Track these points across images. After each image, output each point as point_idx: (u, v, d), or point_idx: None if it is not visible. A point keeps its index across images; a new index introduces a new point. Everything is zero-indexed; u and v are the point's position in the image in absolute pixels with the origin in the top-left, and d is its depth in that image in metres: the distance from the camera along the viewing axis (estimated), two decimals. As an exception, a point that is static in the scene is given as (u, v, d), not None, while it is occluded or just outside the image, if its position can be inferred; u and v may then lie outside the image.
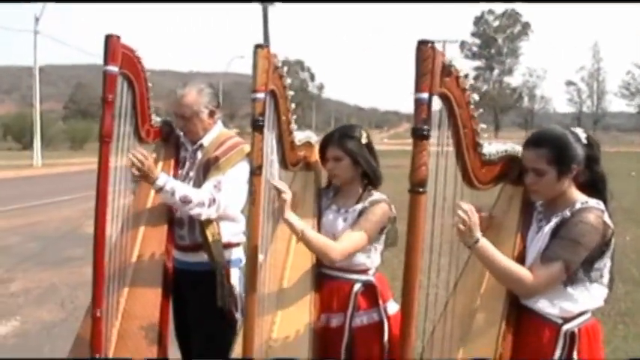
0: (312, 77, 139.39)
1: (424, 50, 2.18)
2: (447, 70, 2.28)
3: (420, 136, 2.14)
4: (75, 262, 9.66)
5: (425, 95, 2.16)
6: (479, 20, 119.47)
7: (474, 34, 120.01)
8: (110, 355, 3.25)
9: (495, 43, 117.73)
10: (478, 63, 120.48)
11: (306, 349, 2.97)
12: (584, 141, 2.58)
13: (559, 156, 2.51)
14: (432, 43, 2.20)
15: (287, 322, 3.03)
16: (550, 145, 2.54)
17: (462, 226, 2.49)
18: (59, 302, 7.40)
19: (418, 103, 2.16)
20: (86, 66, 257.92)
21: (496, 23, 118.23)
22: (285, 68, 2.84)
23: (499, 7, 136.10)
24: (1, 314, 6.91)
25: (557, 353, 2.47)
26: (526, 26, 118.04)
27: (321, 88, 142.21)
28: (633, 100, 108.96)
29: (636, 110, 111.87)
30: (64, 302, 7.40)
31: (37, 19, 37.74)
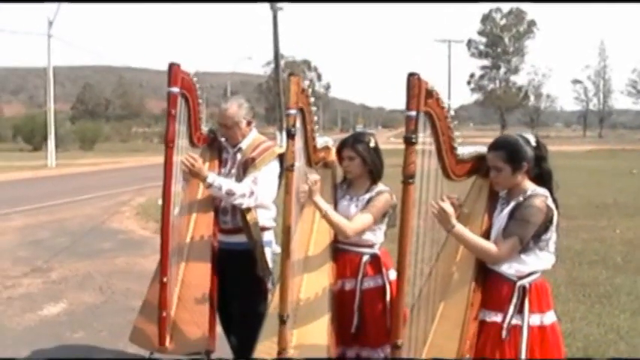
0: (319, 77, 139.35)
1: (412, 80, 3.05)
2: (430, 93, 3.14)
3: (409, 142, 3.01)
4: (105, 253, 10.49)
5: (413, 113, 3.03)
6: (486, 19, 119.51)
7: (480, 33, 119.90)
8: (172, 314, 4.14)
9: (502, 41, 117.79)
10: (485, 62, 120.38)
11: (326, 306, 3.88)
12: (534, 144, 3.46)
13: (512, 156, 3.40)
14: (418, 75, 3.06)
15: (311, 284, 3.95)
16: (505, 148, 3.43)
17: (440, 218, 3.36)
18: (97, 288, 8.19)
19: (408, 118, 3.03)
20: (93, 67, 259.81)
21: (503, 22, 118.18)
22: (309, 88, 3.73)
23: (506, 6, 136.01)
24: (49, 297, 7.70)
25: (514, 301, 3.34)
26: (532, 24, 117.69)
27: (327, 87, 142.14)
28: (639, 98, 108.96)
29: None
30: (102, 288, 8.20)
31: (50, 23, 38.34)
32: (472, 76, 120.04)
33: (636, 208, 15.22)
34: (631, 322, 6.34)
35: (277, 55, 27.66)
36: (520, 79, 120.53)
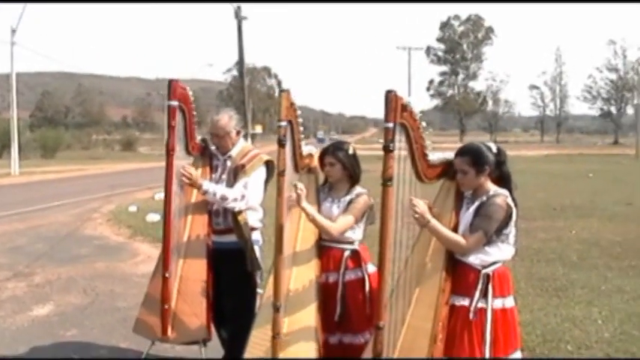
0: (280, 84, 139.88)
1: (390, 96, 3.53)
2: (405, 107, 3.62)
3: (387, 150, 3.49)
4: (84, 259, 10.78)
5: (391, 124, 3.51)
6: (444, 26, 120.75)
7: (439, 40, 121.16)
8: (172, 305, 4.58)
9: (460, 48, 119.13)
10: (444, 68, 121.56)
11: (313, 296, 4.37)
12: (495, 150, 3.98)
13: (476, 161, 3.91)
14: (395, 91, 3.55)
15: (299, 277, 4.43)
16: (470, 153, 3.94)
17: (416, 215, 3.85)
18: (82, 290, 8.52)
19: (386, 129, 3.51)
20: (51, 73, 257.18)
21: (461, 29, 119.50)
22: (296, 102, 4.20)
23: (464, 13, 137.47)
24: (36, 300, 8.03)
25: (479, 287, 3.84)
26: (489, 31, 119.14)
27: (279, 87, 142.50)
28: (595, 103, 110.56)
29: (598, 113, 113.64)
30: (86, 290, 8.53)
31: (13, 31, 38.32)
32: (431, 82, 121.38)
33: (591, 210, 15.91)
34: (585, 312, 6.88)
35: (242, 64, 27.96)
36: (478, 85, 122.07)
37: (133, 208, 16.91)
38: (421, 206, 3.87)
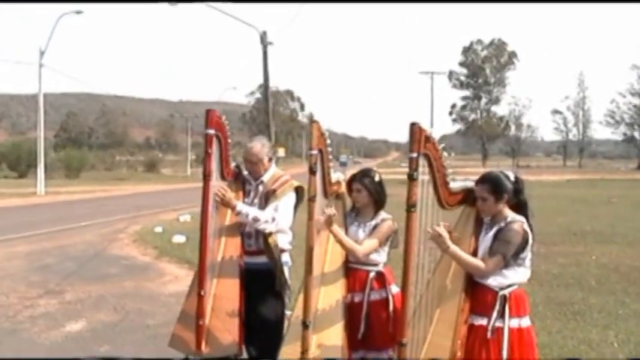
0: (302, 107, 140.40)
1: (414, 128, 3.83)
2: (428, 139, 3.89)
3: (411, 178, 3.76)
4: (112, 278, 11.15)
5: (415, 154, 3.79)
6: (467, 50, 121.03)
7: (462, 64, 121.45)
8: (206, 321, 4.85)
9: (483, 72, 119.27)
10: (466, 92, 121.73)
11: (340, 315, 4.63)
12: (512, 179, 4.23)
13: (495, 189, 4.17)
14: (419, 124, 3.83)
15: (327, 296, 4.70)
16: (490, 182, 4.20)
17: (436, 241, 4.10)
18: (112, 308, 8.84)
19: (411, 159, 3.79)
20: (76, 94, 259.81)
21: (484, 53, 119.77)
22: (327, 133, 4.48)
23: (487, 38, 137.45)
24: (68, 317, 8.35)
25: (497, 308, 4.09)
26: (512, 56, 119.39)
27: (311, 117, 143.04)
28: (618, 128, 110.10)
29: (621, 138, 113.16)
30: (116, 308, 8.85)
31: (42, 53, 39.07)
32: (454, 106, 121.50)
33: (612, 235, 16.01)
34: (602, 335, 7.06)
35: (267, 89, 28.27)
36: (501, 110, 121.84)
37: (158, 229, 17.26)
38: (443, 232, 4.12)
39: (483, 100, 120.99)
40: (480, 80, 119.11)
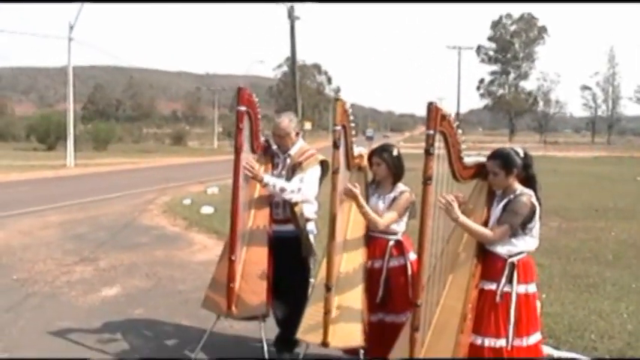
0: (329, 80, 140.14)
1: (431, 107, 4.14)
2: (444, 117, 4.21)
3: (428, 153, 4.08)
4: (144, 247, 11.56)
5: (431, 131, 4.11)
6: (496, 25, 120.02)
7: (490, 39, 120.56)
8: (236, 285, 5.23)
9: (512, 47, 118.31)
10: (494, 67, 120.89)
11: (360, 279, 4.99)
12: (522, 155, 4.53)
13: (505, 164, 4.48)
14: (435, 103, 4.14)
15: (349, 262, 5.07)
16: (500, 157, 4.51)
17: (446, 209, 4.42)
18: (144, 275, 9.25)
19: (427, 135, 4.11)
20: (102, 67, 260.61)
21: (513, 27, 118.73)
22: (350, 108, 4.80)
23: (516, 12, 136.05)
24: (103, 282, 8.78)
25: (505, 274, 4.42)
26: (542, 30, 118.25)
27: (337, 91, 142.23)
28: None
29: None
30: (148, 275, 9.27)
31: (71, 27, 39.39)
32: (482, 81, 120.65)
33: (634, 212, 16.21)
34: (613, 306, 7.33)
35: (294, 63, 28.56)
36: (529, 85, 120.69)
37: (187, 201, 17.67)
38: (451, 202, 4.42)
39: (512, 75, 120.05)
40: (509, 55, 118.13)
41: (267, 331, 5.67)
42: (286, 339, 5.59)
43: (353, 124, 4.95)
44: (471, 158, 4.65)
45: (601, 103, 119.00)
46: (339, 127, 4.68)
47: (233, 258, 5.20)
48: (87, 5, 38.67)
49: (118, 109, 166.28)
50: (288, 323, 5.41)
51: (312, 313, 4.92)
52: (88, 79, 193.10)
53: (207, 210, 15.55)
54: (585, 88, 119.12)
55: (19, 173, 30.68)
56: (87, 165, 38.90)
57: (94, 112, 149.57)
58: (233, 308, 5.27)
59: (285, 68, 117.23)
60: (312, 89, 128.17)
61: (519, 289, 4.44)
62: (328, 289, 4.73)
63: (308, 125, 51.82)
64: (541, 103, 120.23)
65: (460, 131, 4.42)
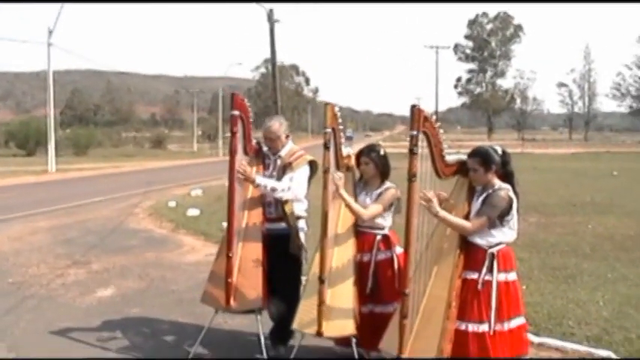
0: (307, 81, 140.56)
1: (414, 110, 4.46)
2: (426, 118, 4.53)
3: (412, 152, 4.39)
4: (134, 249, 11.77)
5: (415, 132, 4.43)
6: (473, 23, 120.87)
7: (467, 37, 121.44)
8: (234, 279, 5.52)
9: (488, 45, 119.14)
10: (472, 65, 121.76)
11: (351, 272, 5.31)
12: (500, 152, 4.87)
13: (484, 161, 4.81)
14: (418, 105, 4.46)
15: (339, 256, 5.38)
16: (480, 155, 4.85)
17: (426, 206, 4.73)
18: (137, 276, 9.48)
19: (411, 136, 4.42)
20: (80, 71, 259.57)
21: (489, 26, 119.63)
22: (339, 113, 5.11)
23: (492, 10, 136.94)
24: (98, 284, 9.02)
25: (486, 264, 4.76)
26: (518, 29, 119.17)
27: (316, 91, 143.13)
28: (624, 101, 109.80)
29: (627, 111, 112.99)
30: (140, 276, 9.50)
31: (50, 32, 39.37)
32: (459, 79, 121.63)
33: (610, 207, 16.68)
34: (590, 295, 7.69)
35: (274, 67, 28.75)
36: (506, 83, 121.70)
37: (172, 204, 17.93)
38: (430, 197, 4.72)
39: (489, 74, 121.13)
40: (486, 53, 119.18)
41: (263, 325, 5.92)
42: (281, 332, 5.93)
43: (341, 127, 5.27)
44: (452, 156, 4.98)
45: (577, 100, 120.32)
46: (329, 130, 5.03)
47: (230, 254, 5.50)
48: (65, 9, 38.58)
49: (97, 114, 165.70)
50: (282, 317, 5.72)
51: (306, 305, 5.23)
52: (66, 84, 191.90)
53: (193, 212, 15.82)
54: (562, 85, 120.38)
55: (0, 179, 30.72)
56: (68, 170, 38.98)
57: (72, 117, 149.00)
58: (232, 302, 5.56)
59: (263, 70, 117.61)
60: (291, 90, 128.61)
61: (499, 277, 4.77)
62: (322, 281, 5.05)
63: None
64: (518, 101, 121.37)
65: (442, 131, 4.75)
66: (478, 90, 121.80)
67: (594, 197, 18.79)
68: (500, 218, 4.78)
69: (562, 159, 47.74)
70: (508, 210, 4.79)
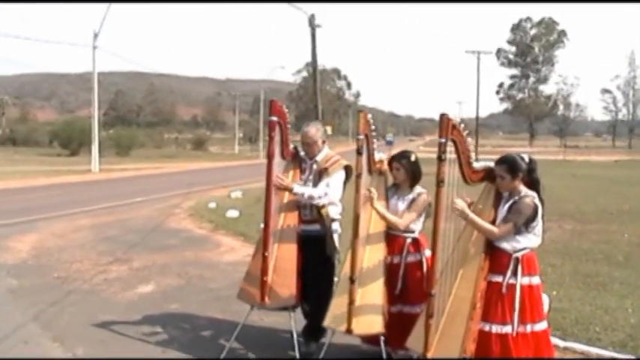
0: (349, 85, 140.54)
1: (443, 118, 4.68)
2: (454, 126, 4.73)
3: (440, 159, 4.60)
4: (173, 248, 12.13)
5: (443, 139, 4.63)
6: (516, 28, 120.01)
7: (510, 42, 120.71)
8: (269, 278, 5.76)
9: (532, 51, 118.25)
10: (514, 71, 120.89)
11: (381, 273, 5.52)
12: (527, 160, 5.04)
13: (511, 168, 4.99)
14: (447, 114, 4.66)
15: (370, 257, 5.59)
16: (507, 162, 5.03)
17: (457, 212, 4.94)
18: (176, 274, 9.79)
19: (440, 143, 4.63)
20: (123, 73, 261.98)
21: (533, 31, 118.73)
22: (373, 118, 5.33)
23: (536, 16, 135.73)
24: (138, 280, 9.35)
25: (511, 267, 4.94)
26: (562, 34, 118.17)
27: (357, 95, 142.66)
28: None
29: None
30: (179, 274, 9.81)
31: (95, 35, 40.13)
32: (501, 85, 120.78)
33: (648, 215, 16.49)
34: (619, 303, 7.77)
35: (315, 71, 28.95)
36: (549, 89, 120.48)
37: (212, 205, 18.27)
38: (460, 204, 4.97)
39: (531, 79, 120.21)
40: (529, 59, 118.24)
41: (295, 322, 6.14)
42: (313, 329, 6.18)
43: (374, 133, 5.50)
44: (479, 163, 5.17)
45: (622, 107, 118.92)
46: (361, 137, 5.26)
47: (266, 254, 5.74)
48: (109, 11, 39.18)
49: (139, 115, 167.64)
50: (315, 315, 5.96)
51: (337, 304, 5.46)
52: (110, 85, 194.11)
53: (232, 214, 16.12)
54: (605, 91, 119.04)
55: (46, 178, 31.46)
56: (111, 170, 39.72)
57: (115, 117, 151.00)
58: (266, 299, 5.80)
59: (304, 73, 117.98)
60: (332, 94, 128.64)
61: (523, 280, 4.95)
62: (352, 281, 5.28)
63: (328, 129, 52.28)
64: (561, 107, 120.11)
65: (470, 139, 4.95)
66: (520, 96, 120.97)
67: (633, 205, 18.67)
68: (525, 225, 4.95)
69: (604, 166, 47.31)
70: (533, 217, 4.97)
